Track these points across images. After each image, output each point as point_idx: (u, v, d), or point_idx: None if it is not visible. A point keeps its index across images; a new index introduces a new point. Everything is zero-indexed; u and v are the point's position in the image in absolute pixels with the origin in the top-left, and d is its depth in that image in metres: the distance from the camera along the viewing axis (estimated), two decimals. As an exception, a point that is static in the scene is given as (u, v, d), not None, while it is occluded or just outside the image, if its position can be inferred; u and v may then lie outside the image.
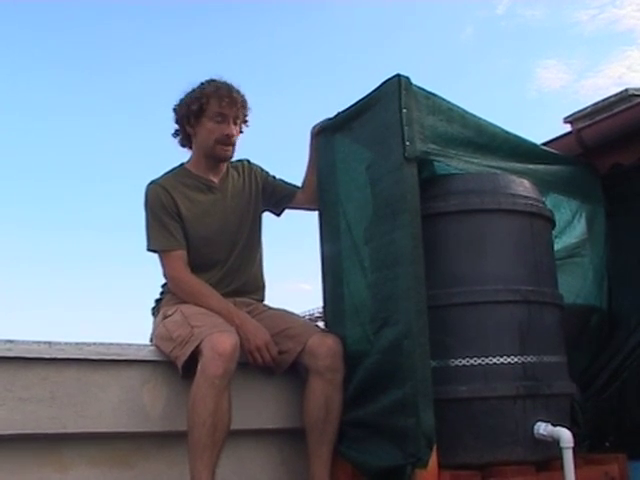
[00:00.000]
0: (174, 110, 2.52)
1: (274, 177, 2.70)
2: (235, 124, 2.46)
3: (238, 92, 2.47)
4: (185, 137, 2.53)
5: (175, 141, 2.57)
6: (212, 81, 2.47)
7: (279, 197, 2.68)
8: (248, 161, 2.67)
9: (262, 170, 2.68)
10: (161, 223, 2.39)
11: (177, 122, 2.52)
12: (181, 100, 2.49)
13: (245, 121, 2.54)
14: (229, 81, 2.49)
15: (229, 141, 2.45)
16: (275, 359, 2.25)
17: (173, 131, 2.56)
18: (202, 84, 2.47)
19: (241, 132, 2.55)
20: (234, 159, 2.59)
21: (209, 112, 2.42)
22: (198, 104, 2.42)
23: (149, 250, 2.42)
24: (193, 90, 2.47)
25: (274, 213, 2.72)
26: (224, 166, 2.56)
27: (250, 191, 2.59)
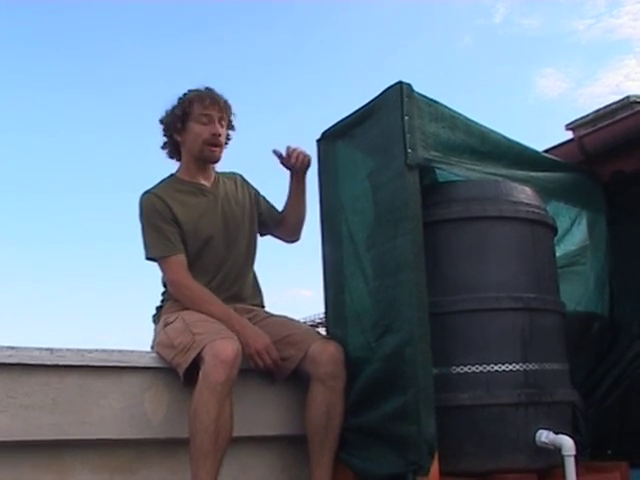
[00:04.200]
0: (161, 122, 2.55)
1: (264, 198, 2.72)
2: (221, 125, 2.48)
3: (219, 95, 2.51)
4: (173, 146, 2.55)
5: (164, 153, 2.60)
6: (193, 89, 2.52)
7: (265, 219, 2.69)
8: (241, 176, 2.70)
9: (254, 188, 2.70)
10: (158, 230, 2.39)
11: (164, 133, 2.55)
12: (166, 111, 2.53)
13: (231, 126, 2.56)
14: (210, 86, 2.53)
15: (217, 141, 2.47)
16: (276, 362, 2.25)
17: (162, 143, 2.58)
18: (185, 92, 2.52)
19: (229, 137, 2.57)
20: (227, 170, 2.64)
21: (194, 115, 2.45)
22: (181, 109, 2.47)
23: (147, 259, 2.43)
24: (177, 99, 2.52)
25: (258, 232, 2.71)
26: (213, 171, 2.58)
27: (246, 203, 2.60)
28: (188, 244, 2.42)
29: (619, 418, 2.80)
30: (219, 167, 2.62)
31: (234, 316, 2.29)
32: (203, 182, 2.53)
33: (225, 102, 2.51)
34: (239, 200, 2.59)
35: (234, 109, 2.56)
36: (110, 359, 2.11)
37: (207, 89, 2.51)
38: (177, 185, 2.51)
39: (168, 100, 2.54)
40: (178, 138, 2.51)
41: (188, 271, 2.39)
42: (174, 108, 2.50)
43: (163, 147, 2.59)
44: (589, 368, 2.81)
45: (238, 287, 2.51)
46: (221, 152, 2.52)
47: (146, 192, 2.47)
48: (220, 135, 2.47)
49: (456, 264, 2.26)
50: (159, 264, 2.42)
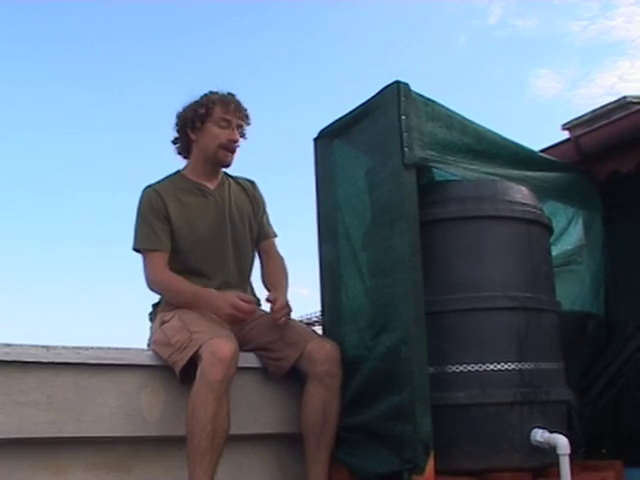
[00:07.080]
0: (177, 116, 2.54)
1: (267, 216, 2.70)
2: (238, 132, 2.49)
3: (242, 103, 2.52)
4: (186, 143, 2.55)
5: (172, 149, 2.60)
6: (215, 91, 2.51)
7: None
8: (254, 183, 2.70)
9: (263, 201, 2.69)
10: (148, 224, 2.41)
11: (179, 128, 2.54)
12: (185, 106, 2.52)
13: (243, 134, 2.55)
14: (232, 92, 2.53)
15: (232, 147, 2.48)
16: (250, 313, 2.28)
17: (173, 138, 2.58)
18: (207, 93, 2.51)
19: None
20: (239, 174, 2.65)
21: (214, 117, 2.45)
22: (204, 108, 2.46)
23: (134, 249, 2.45)
24: (199, 97, 2.51)
25: None
26: (220, 174, 2.58)
27: (249, 209, 2.61)
28: (179, 243, 2.43)
29: (614, 417, 2.81)
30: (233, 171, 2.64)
31: (201, 291, 2.32)
32: (207, 184, 2.53)
33: (246, 110, 2.52)
34: (241, 206, 2.58)
35: (251, 120, 2.56)
36: (106, 357, 2.11)
37: (230, 94, 2.51)
38: (179, 183, 2.52)
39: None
40: (192, 136, 2.50)
41: (167, 268, 2.40)
42: (195, 106, 2.49)
43: (174, 142, 2.58)
44: (584, 367, 2.82)
45: (237, 291, 2.51)
46: (233, 158, 2.53)
47: (148, 186, 2.50)
48: (237, 142, 2.48)
49: (452, 263, 2.27)
50: (142, 256, 2.43)
